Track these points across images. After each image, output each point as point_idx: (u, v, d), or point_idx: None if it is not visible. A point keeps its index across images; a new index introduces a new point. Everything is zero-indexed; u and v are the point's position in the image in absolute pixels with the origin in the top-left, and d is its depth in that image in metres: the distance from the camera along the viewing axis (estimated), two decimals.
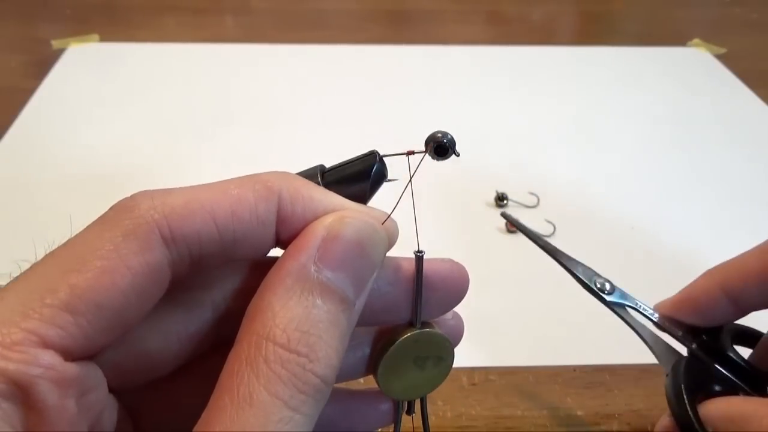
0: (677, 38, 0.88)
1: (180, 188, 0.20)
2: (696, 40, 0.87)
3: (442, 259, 0.24)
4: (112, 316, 0.18)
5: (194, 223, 0.19)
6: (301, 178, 0.22)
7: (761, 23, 0.95)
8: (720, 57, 0.83)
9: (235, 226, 0.20)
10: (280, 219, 0.21)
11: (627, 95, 0.75)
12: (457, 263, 0.24)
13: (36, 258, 0.19)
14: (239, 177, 0.21)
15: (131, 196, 0.20)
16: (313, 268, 0.19)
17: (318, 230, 0.20)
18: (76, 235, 0.19)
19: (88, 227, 0.20)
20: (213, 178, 0.21)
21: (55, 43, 0.80)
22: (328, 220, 0.21)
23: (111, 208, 0.20)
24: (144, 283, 0.19)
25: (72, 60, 0.77)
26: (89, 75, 0.74)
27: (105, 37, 0.82)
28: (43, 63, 0.75)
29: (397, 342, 0.22)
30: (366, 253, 0.21)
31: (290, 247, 0.20)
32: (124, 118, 0.67)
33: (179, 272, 0.20)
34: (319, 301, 0.19)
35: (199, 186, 0.21)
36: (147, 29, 0.86)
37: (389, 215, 0.22)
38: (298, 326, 0.18)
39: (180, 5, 0.93)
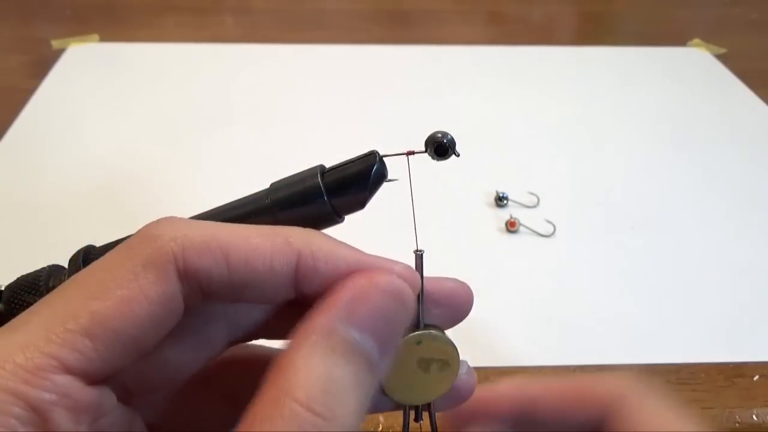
0: (677, 38, 0.88)
1: (205, 222, 0.21)
2: (696, 40, 0.87)
3: (447, 278, 0.24)
4: (129, 341, 0.19)
5: (207, 261, 0.20)
6: (327, 235, 0.22)
7: (761, 23, 0.95)
8: (720, 57, 0.83)
9: (247, 273, 0.20)
10: (301, 274, 0.21)
11: (627, 95, 0.75)
12: (462, 282, 0.24)
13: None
14: (266, 227, 0.21)
15: (157, 222, 0.20)
16: (340, 327, 0.19)
17: (347, 289, 0.20)
18: (101, 260, 0.20)
19: (113, 252, 0.20)
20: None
21: (55, 43, 0.80)
22: (357, 280, 0.21)
23: (137, 234, 0.20)
24: (160, 312, 0.19)
25: (72, 60, 0.77)
26: (89, 75, 0.74)
27: (105, 37, 0.82)
28: (43, 63, 0.75)
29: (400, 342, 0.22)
30: (394, 315, 0.21)
31: (318, 304, 0.20)
32: (124, 118, 0.67)
33: (193, 303, 0.20)
34: (343, 361, 0.19)
35: (223, 225, 0.21)
36: (147, 29, 0.86)
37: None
38: (319, 384, 0.18)
39: (180, 5, 0.93)
